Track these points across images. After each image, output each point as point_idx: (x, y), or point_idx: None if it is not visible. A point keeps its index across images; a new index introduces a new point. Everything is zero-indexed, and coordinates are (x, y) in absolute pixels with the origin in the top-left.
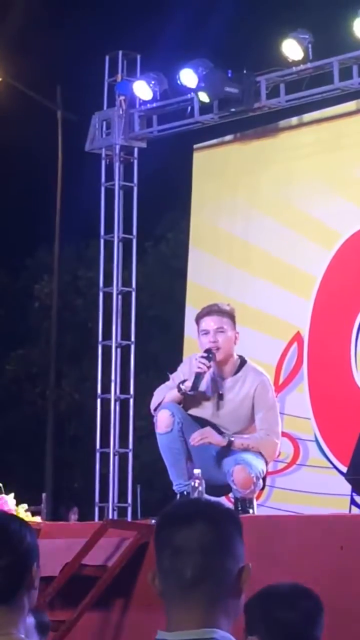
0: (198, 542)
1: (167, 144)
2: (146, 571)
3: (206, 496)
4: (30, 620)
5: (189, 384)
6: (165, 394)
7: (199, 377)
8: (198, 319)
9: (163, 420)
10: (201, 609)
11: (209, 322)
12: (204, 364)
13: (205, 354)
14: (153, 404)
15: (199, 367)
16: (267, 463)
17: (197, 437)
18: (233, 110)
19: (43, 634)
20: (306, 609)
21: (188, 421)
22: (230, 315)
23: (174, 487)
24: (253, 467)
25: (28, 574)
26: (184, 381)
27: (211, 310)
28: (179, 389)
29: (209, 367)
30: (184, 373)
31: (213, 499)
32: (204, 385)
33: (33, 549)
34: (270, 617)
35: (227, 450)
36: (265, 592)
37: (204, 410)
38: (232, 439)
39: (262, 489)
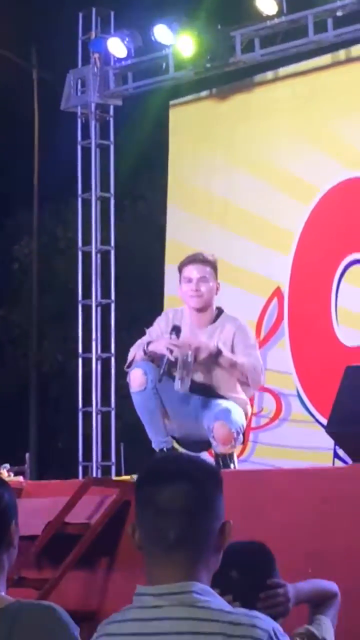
0: (181, 503)
1: (144, 101)
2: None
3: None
4: None
5: (153, 347)
6: (138, 352)
7: (168, 361)
8: (181, 267)
9: (136, 379)
10: (183, 566)
11: (192, 271)
12: (173, 346)
13: (172, 332)
14: (127, 362)
15: (169, 351)
16: (247, 416)
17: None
18: (208, 65)
19: None
20: (255, 565)
21: (162, 377)
22: (213, 265)
23: (153, 445)
24: (233, 422)
25: (6, 532)
26: (149, 343)
27: (195, 258)
28: (144, 351)
29: (180, 347)
30: (160, 327)
31: (195, 455)
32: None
33: (11, 508)
34: (226, 573)
35: (205, 405)
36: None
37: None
38: (222, 349)
39: (243, 443)
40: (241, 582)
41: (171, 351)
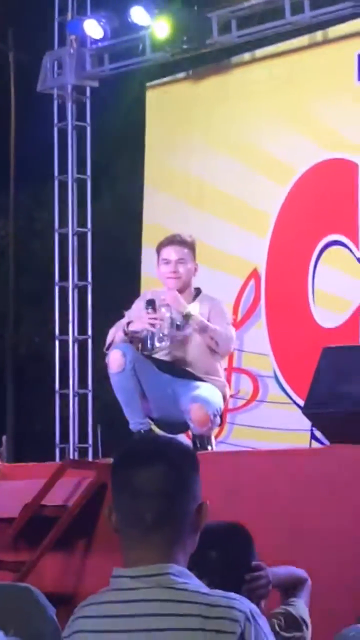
0: (158, 486)
1: (120, 83)
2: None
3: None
4: None
5: (135, 327)
6: (116, 333)
7: (152, 336)
8: (159, 248)
9: (115, 360)
10: (160, 548)
11: (171, 252)
12: (153, 320)
13: (148, 306)
14: (106, 343)
15: (150, 325)
16: (224, 397)
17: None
18: (185, 47)
19: None
20: (234, 545)
21: (140, 359)
22: (191, 247)
23: (130, 426)
24: (210, 404)
25: None
26: (128, 323)
27: (173, 240)
28: (125, 332)
29: (160, 320)
30: (139, 308)
31: (172, 437)
32: (165, 333)
33: None
34: (201, 554)
35: (183, 386)
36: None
37: (166, 350)
38: (191, 312)
39: (221, 425)
40: (219, 563)
41: (152, 325)
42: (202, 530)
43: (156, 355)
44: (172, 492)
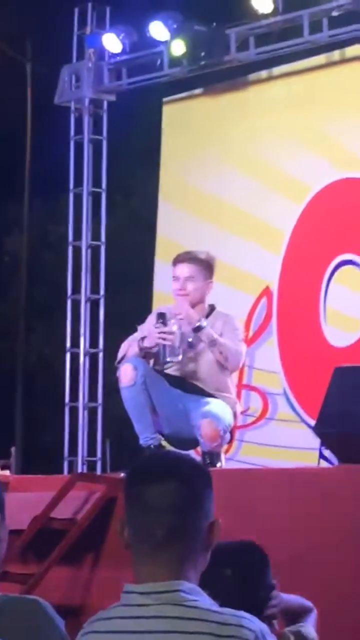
0: (170, 501)
1: (137, 97)
2: (115, 525)
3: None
4: None
5: (148, 342)
6: (129, 348)
7: (163, 350)
8: (173, 264)
9: (126, 374)
10: (171, 565)
11: (180, 269)
12: (163, 334)
13: (160, 321)
14: (118, 358)
15: (159, 339)
16: (235, 415)
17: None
18: (203, 63)
19: None
20: (250, 564)
21: (151, 374)
22: (204, 264)
23: (140, 441)
24: (220, 420)
25: None
26: (143, 338)
27: (184, 257)
28: (139, 348)
29: (170, 334)
30: (151, 324)
31: (183, 453)
32: (176, 347)
33: None
34: (216, 573)
35: (194, 402)
36: (214, 549)
37: (177, 365)
38: (204, 325)
39: (230, 442)
40: (235, 581)
41: (163, 339)
42: (217, 548)
43: (167, 371)
44: (184, 509)
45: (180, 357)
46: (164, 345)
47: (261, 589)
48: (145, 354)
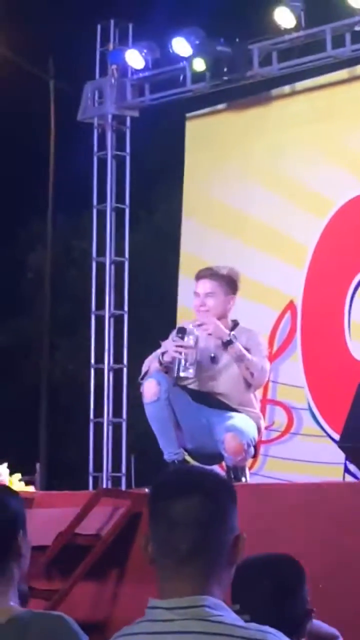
0: (194, 516)
1: (160, 113)
2: (140, 540)
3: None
4: None
5: (167, 357)
6: (151, 363)
7: (178, 364)
8: (195, 280)
9: (149, 390)
10: (195, 579)
11: (201, 285)
12: (179, 348)
13: (179, 335)
14: (141, 373)
15: (175, 353)
16: (259, 430)
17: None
18: (225, 78)
19: (23, 603)
20: (287, 576)
21: (175, 389)
22: (225, 279)
23: (165, 456)
24: (244, 434)
25: (13, 541)
26: (163, 354)
27: (206, 273)
28: (159, 362)
29: (187, 348)
30: (174, 339)
31: (208, 468)
32: (191, 362)
33: (18, 517)
34: (248, 587)
35: (218, 417)
36: (244, 563)
37: (199, 379)
38: (234, 340)
39: (255, 456)
40: (272, 593)
41: (179, 353)
42: (253, 560)
43: (190, 386)
44: (208, 523)
45: (192, 372)
46: (179, 360)
47: (298, 604)
48: (167, 369)
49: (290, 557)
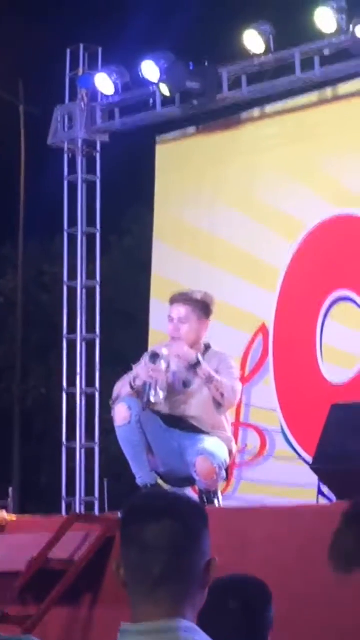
0: (167, 540)
1: (131, 137)
2: (113, 565)
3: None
4: None
5: (138, 381)
6: (122, 387)
7: (149, 388)
8: (170, 304)
9: (120, 414)
10: (168, 603)
11: (176, 310)
12: (152, 372)
13: (152, 360)
14: (112, 397)
15: (147, 377)
16: (231, 453)
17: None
18: (195, 102)
19: None
20: (254, 597)
21: (146, 413)
22: (199, 304)
23: (137, 480)
24: (216, 457)
25: None
26: (135, 379)
27: (179, 298)
28: (131, 387)
29: (159, 372)
30: (146, 363)
31: (180, 492)
32: (161, 387)
33: None
34: (215, 608)
35: (189, 440)
36: (214, 584)
37: (170, 403)
38: (201, 360)
39: (227, 479)
40: (238, 613)
41: (151, 377)
42: (220, 582)
43: (162, 410)
44: (181, 547)
45: (162, 397)
46: (150, 384)
47: (265, 624)
48: (138, 393)
49: (257, 579)
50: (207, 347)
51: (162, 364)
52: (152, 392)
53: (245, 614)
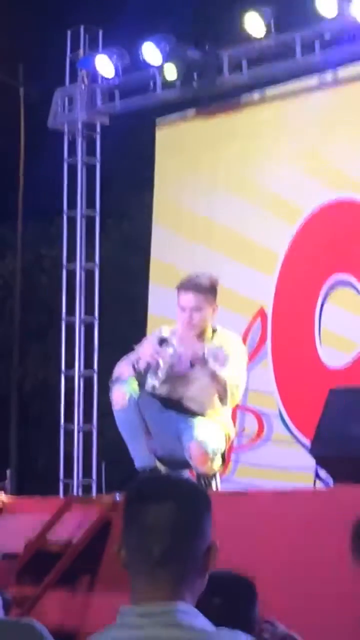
0: (167, 522)
1: (131, 120)
2: (111, 547)
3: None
4: None
5: (142, 364)
6: (124, 368)
7: (149, 369)
8: (178, 291)
9: (118, 397)
10: (167, 586)
11: (186, 299)
12: (157, 355)
13: (159, 343)
14: (112, 377)
15: (151, 358)
16: (228, 438)
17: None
18: (195, 85)
19: (7, 611)
20: (238, 595)
21: (144, 396)
22: (210, 290)
23: (135, 463)
24: (210, 442)
25: None
26: (138, 360)
27: (189, 286)
28: (133, 368)
29: (163, 356)
30: (149, 344)
31: (182, 475)
32: (162, 370)
33: None
34: (208, 599)
35: (186, 423)
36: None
37: (169, 387)
38: (208, 359)
39: (224, 464)
40: (223, 610)
41: (155, 359)
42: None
43: (161, 393)
44: (182, 530)
45: (160, 379)
46: (152, 365)
47: (249, 622)
48: (139, 374)
49: (243, 576)
50: (214, 330)
51: (169, 350)
52: (153, 374)
53: (229, 610)
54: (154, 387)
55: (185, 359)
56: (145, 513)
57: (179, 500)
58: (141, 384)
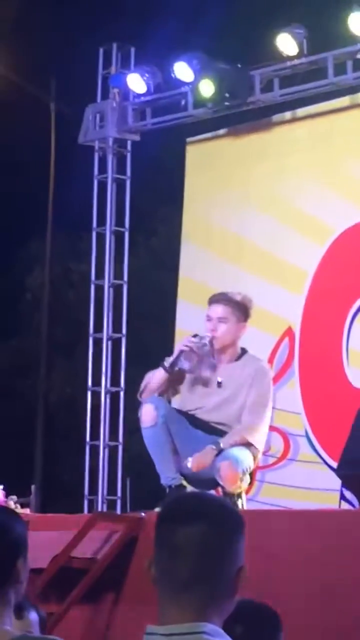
0: (196, 544)
1: (161, 137)
2: (135, 565)
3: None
4: (35, 616)
5: (174, 355)
6: (152, 376)
7: (180, 356)
8: (208, 303)
9: (147, 414)
10: (194, 607)
11: (214, 309)
12: (191, 343)
13: (195, 336)
14: (141, 387)
15: (184, 346)
16: (255, 458)
17: (194, 465)
18: (227, 103)
19: (42, 628)
20: (261, 625)
21: (173, 414)
22: (239, 306)
23: (162, 481)
24: (240, 462)
25: (13, 567)
26: (167, 359)
27: (219, 298)
28: (165, 369)
29: (195, 348)
30: (187, 339)
31: (216, 496)
32: (185, 364)
33: (20, 542)
34: (230, 627)
35: (214, 444)
36: None
37: (196, 400)
38: (222, 446)
39: (250, 484)
40: (245, 639)
41: (187, 347)
42: None
43: (189, 412)
44: (210, 552)
45: (187, 367)
46: (183, 351)
47: None
48: (169, 382)
49: (268, 607)
50: (244, 351)
51: (205, 347)
52: (181, 360)
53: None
54: (180, 372)
55: (221, 363)
56: (174, 533)
57: (209, 521)
58: (170, 368)
